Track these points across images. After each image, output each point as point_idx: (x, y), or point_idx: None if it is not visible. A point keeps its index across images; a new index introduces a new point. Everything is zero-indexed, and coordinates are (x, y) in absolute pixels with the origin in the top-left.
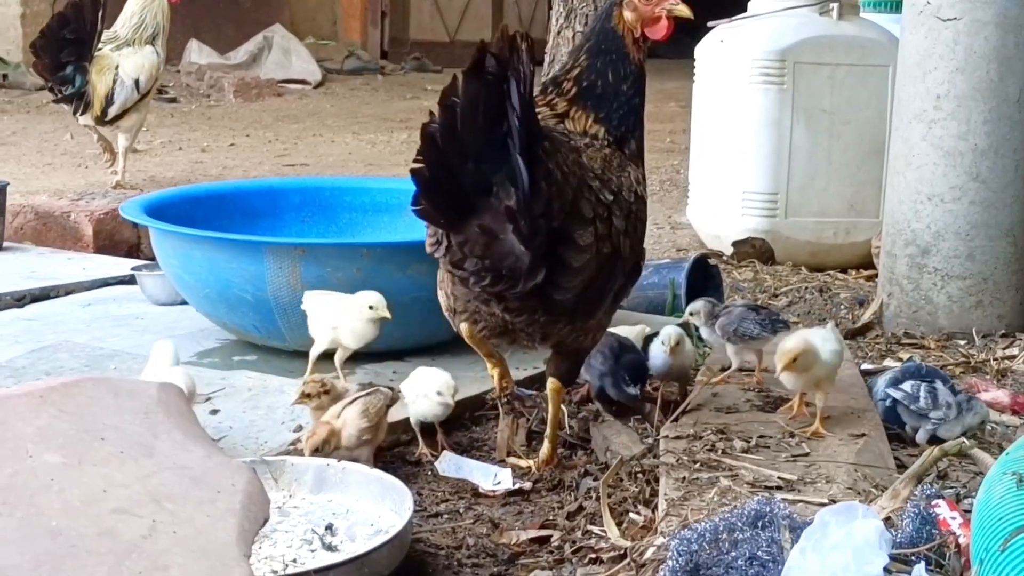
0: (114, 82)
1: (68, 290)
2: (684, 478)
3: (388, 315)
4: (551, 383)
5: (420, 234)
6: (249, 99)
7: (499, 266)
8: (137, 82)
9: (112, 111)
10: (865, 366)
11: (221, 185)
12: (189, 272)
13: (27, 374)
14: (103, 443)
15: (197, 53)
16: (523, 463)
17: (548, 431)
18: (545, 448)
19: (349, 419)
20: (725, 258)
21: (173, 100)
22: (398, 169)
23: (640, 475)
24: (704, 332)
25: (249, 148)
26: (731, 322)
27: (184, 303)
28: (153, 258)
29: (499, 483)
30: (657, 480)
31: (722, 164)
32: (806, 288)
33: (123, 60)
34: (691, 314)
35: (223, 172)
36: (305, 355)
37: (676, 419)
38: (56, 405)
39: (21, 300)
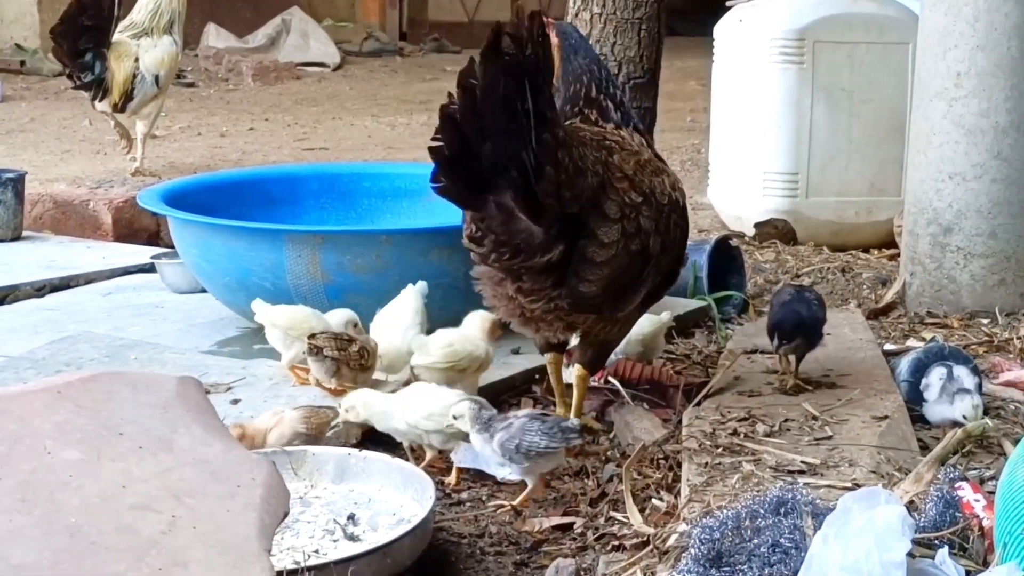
0: (134, 77)
1: (88, 279)
2: (707, 463)
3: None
4: (577, 370)
5: (441, 219)
6: (268, 83)
7: (515, 240)
8: (157, 77)
9: (132, 106)
10: (888, 347)
11: (239, 172)
12: (208, 261)
13: (47, 365)
14: (121, 438)
15: (215, 37)
16: None
17: (572, 415)
18: None
19: (288, 419)
20: (747, 239)
21: (191, 85)
22: (418, 152)
23: (663, 461)
24: (474, 440)
25: (268, 132)
26: (511, 437)
27: (204, 291)
28: (173, 246)
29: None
30: (680, 465)
31: (743, 144)
32: (828, 268)
33: (143, 53)
34: (455, 417)
35: (242, 157)
36: None
37: (698, 403)
38: (74, 400)
39: (41, 290)
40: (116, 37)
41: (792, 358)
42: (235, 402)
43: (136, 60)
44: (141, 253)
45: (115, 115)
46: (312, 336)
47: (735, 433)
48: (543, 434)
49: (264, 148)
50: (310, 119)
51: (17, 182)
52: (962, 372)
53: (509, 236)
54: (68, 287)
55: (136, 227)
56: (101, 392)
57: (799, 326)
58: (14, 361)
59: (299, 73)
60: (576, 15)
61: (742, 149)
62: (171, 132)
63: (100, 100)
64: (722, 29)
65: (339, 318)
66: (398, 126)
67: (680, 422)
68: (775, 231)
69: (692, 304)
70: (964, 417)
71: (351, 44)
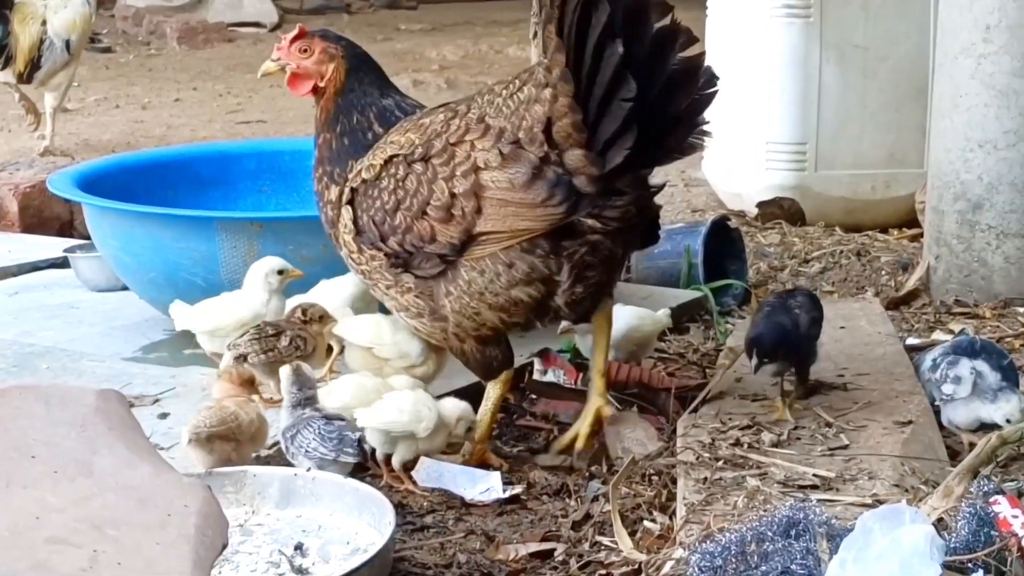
0: (41, 42)
1: None
2: (705, 479)
3: (300, 272)
4: None
5: None
6: (195, 46)
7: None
8: (68, 42)
9: (39, 75)
10: (911, 341)
11: (164, 151)
12: (130, 254)
13: None
14: (34, 461)
15: None
16: None
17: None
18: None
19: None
20: (748, 219)
21: (107, 50)
22: None
23: (655, 476)
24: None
25: (197, 103)
26: (292, 425)
27: (125, 288)
28: (88, 237)
29: (488, 491)
30: (675, 482)
31: (742, 111)
32: (841, 252)
33: (51, 15)
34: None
35: (167, 133)
36: None
37: (695, 410)
38: None
39: None
40: None
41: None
42: (163, 416)
43: (43, 23)
44: (52, 246)
45: (20, 87)
46: (233, 344)
47: (737, 443)
48: (319, 437)
49: (192, 122)
50: (245, 88)
51: None
52: (996, 368)
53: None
54: None
55: (46, 215)
56: (9, 408)
57: (781, 342)
58: None
59: (231, 35)
60: None
61: (741, 117)
62: (85, 104)
63: (2, 69)
64: None
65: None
66: None
67: (674, 431)
68: (780, 210)
69: (686, 295)
70: (1008, 420)
71: (290, 1)
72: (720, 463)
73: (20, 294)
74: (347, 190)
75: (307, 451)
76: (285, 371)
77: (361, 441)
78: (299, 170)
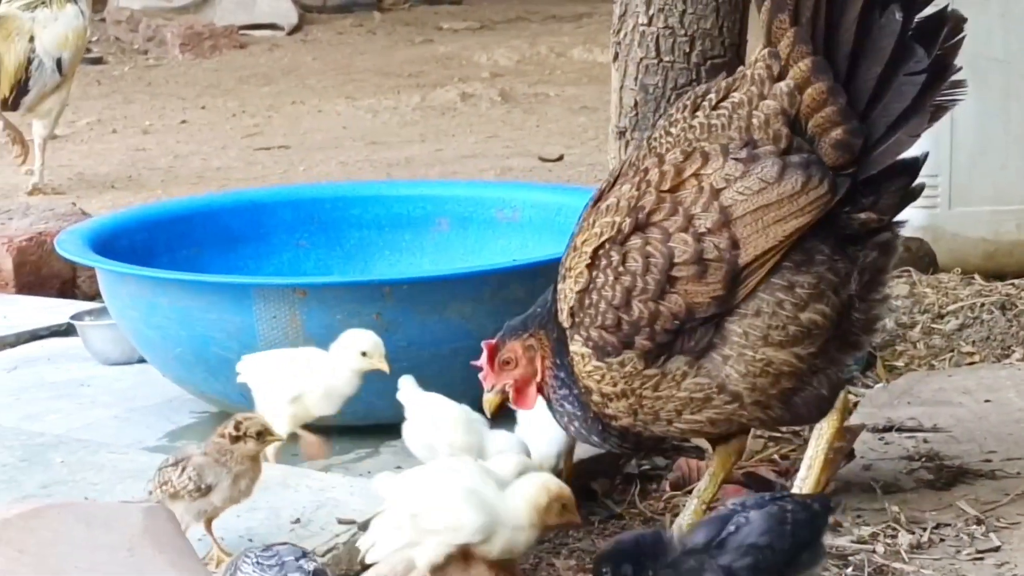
0: (29, 62)
1: None
2: None
3: (385, 367)
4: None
5: (457, 259)
6: (201, 54)
7: None
8: (60, 61)
9: (27, 101)
10: None
11: (187, 202)
12: (153, 326)
13: None
14: None
15: None
16: None
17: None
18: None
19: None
20: None
21: (99, 60)
22: (411, 148)
23: None
24: None
25: (207, 126)
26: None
27: (142, 361)
28: (95, 297)
29: None
30: None
31: None
32: (982, 305)
33: (40, 30)
34: None
35: (174, 163)
36: (313, 430)
37: None
38: (13, 544)
39: None
40: (3, 9)
41: None
42: None
43: (31, 39)
44: (54, 309)
45: (4, 114)
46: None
47: (863, 543)
48: (257, 567)
49: (203, 149)
50: (262, 105)
51: None
52: None
53: None
54: None
55: (45, 273)
56: (47, 532)
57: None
58: None
59: (242, 39)
60: None
61: None
62: (76, 129)
63: None
64: None
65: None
66: (382, 111)
67: None
68: (908, 254)
69: None
70: None
71: None
72: (851, 570)
73: (20, 369)
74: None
75: None
76: None
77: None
78: (341, 220)
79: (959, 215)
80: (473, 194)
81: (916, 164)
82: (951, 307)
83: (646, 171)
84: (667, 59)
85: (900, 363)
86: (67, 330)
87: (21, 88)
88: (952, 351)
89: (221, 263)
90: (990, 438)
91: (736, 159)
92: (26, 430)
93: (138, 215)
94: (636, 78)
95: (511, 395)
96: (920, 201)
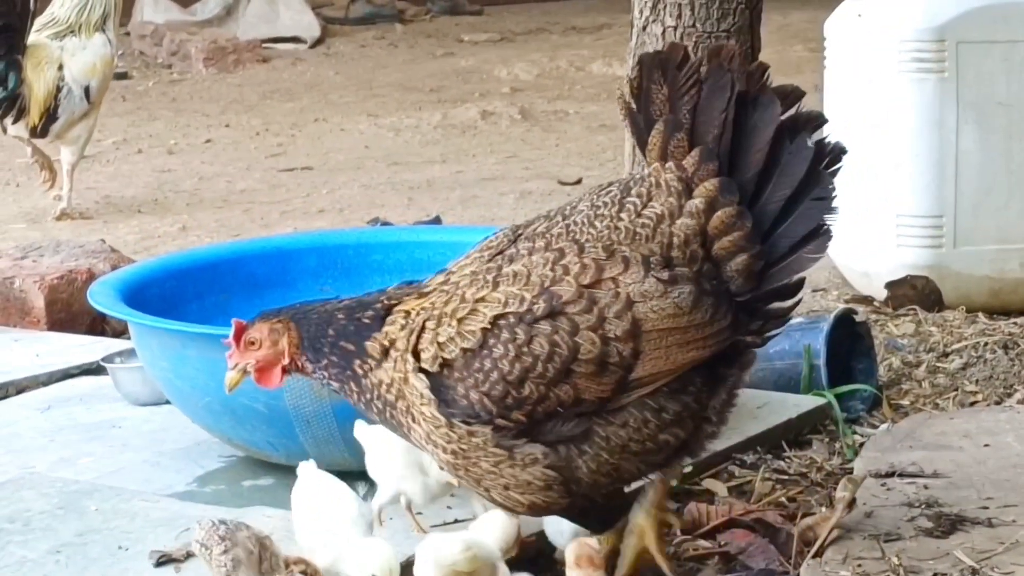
0: (58, 90)
1: (19, 387)
2: None
3: None
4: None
5: None
6: (225, 69)
7: None
8: (88, 89)
9: (55, 128)
10: None
11: (215, 250)
12: (182, 376)
13: None
14: None
15: (152, 8)
16: None
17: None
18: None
19: None
20: (876, 304)
21: (123, 76)
22: (432, 169)
23: None
24: None
25: (231, 145)
26: None
27: (169, 402)
28: (122, 334)
29: None
30: None
31: (868, 179)
32: (986, 344)
33: (68, 58)
34: None
35: (199, 186)
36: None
37: (819, 554)
38: None
39: None
40: (33, 38)
41: None
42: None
43: (60, 68)
44: (85, 347)
45: (33, 140)
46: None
47: None
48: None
49: (227, 170)
50: (285, 122)
51: None
52: None
53: None
54: None
55: (76, 310)
56: None
57: None
58: None
59: (266, 53)
60: (644, 28)
61: (868, 186)
62: (102, 149)
63: (14, 122)
64: (835, 26)
65: None
66: (404, 129)
67: None
68: (913, 291)
69: (807, 402)
70: None
71: (333, 8)
72: None
73: (53, 409)
74: (407, 359)
75: None
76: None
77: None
78: (363, 265)
79: (964, 254)
80: None
81: (800, 286)
82: (955, 346)
83: (561, 253)
84: None
85: (906, 402)
86: (98, 368)
87: (50, 116)
88: (956, 390)
89: (248, 309)
90: (988, 484)
91: (657, 279)
92: (62, 477)
93: (166, 264)
94: None
95: (254, 375)
96: (925, 240)
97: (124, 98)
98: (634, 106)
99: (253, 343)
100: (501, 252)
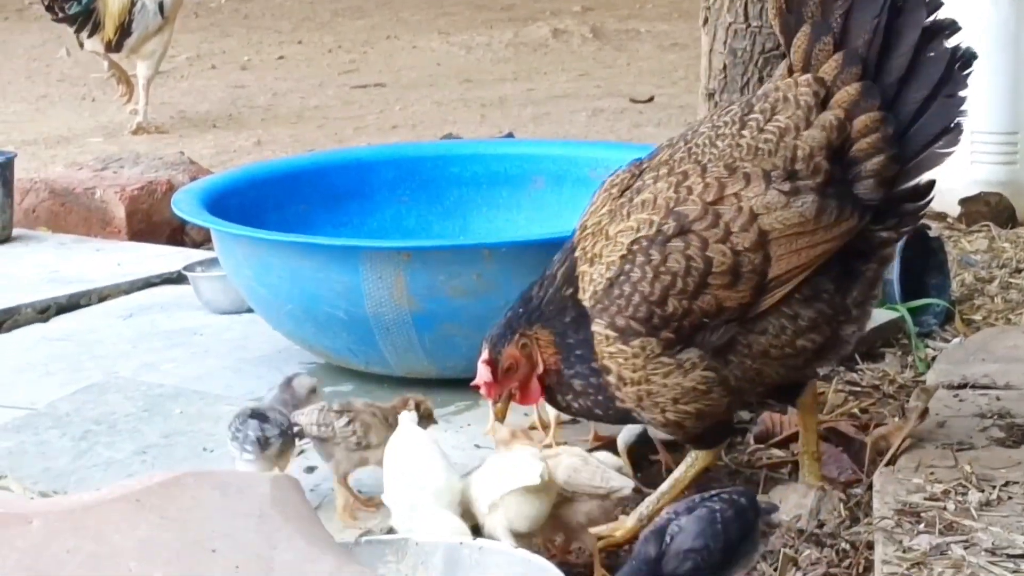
0: (132, 5)
1: (102, 295)
2: (905, 546)
3: None
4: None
5: (553, 216)
6: None
7: None
8: (161, 5)
9: (130, 43)
10: None
11: (296, 161)
12: (265, 284)
13: (72, 424)
14: (215, 556)
15: None
16: None
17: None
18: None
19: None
20: (950, 220)
21: None
22: (504, 87)
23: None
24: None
25: (304, 61)
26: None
27: (251, 310)
28: (203, 244)
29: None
30: (870, 546)
31: None
32: None
33: None
34: None
35: (273, 101)
36: (414, 383)
37: (891, 462)
38: (157, 511)
39: (45, 312)
40: None
41: None
42: (310, 470)
43: None
44: (165, 256)
45: (109, 55)
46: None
47: (938, 500)
48: (232, 438)
49: (300, 86)
50: (357, 40)
51: (5, 168)
52: None
53: None
54: (79, 306)
55: (156, 220)
56: (187, 499)
57: None
58: (32, 419)
59: None
60: None
61: None
62: (176, 65)
63: (89, 36)
64: None
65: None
66: (475, 47)
67: (870, 487)
68: (987, 208)
69: (880, 316)
70: None
71: None
72: (923, 526)
73: (135, 316)
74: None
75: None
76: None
77: (261, 441)
78: (440, 178)
79: None
80: (568, 153)
81: (931, 186)
82: None
83: (685, 175)
84: (755, 24)
85: (978, 317)
86: (178, 278)
87: (124, 30)
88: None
89: (328, 219)
90: None
91: (779, 191)
92: (146, 381)
93: (249, 174)
94: (725, 42)
95: (517, 396)
96: (999, 157)
97: (196, 15)
98: (785, 7)
99: (511, 368)
100: (628, 188)
